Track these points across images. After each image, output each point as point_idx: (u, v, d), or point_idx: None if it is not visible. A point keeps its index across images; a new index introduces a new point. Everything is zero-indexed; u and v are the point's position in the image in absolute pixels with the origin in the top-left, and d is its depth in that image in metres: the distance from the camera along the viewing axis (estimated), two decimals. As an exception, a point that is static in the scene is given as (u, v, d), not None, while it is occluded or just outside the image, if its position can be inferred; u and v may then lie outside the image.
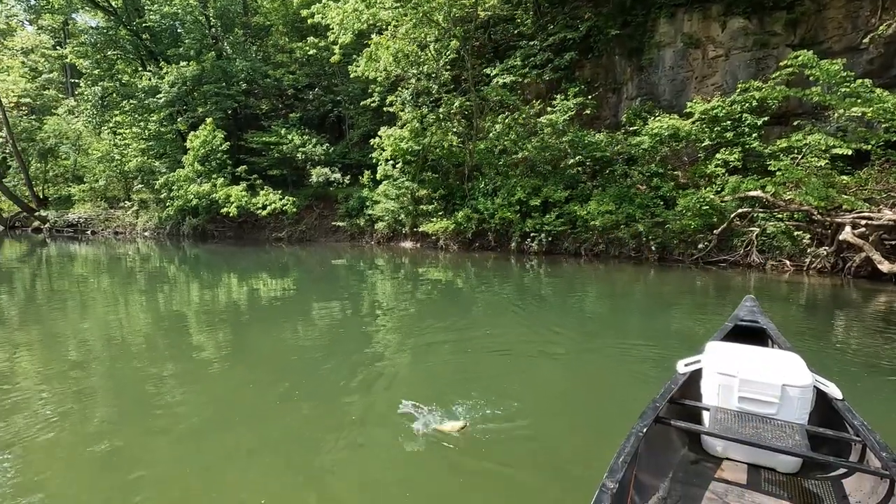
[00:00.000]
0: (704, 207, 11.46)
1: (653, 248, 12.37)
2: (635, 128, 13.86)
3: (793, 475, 2.46)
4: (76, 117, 26.50)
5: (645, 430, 2.31)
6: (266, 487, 2.91)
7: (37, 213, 25.29)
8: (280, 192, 19.01)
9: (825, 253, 10.23)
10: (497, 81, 15.37)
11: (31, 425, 3.64)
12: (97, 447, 3.37)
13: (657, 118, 13.26)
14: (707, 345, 3.00)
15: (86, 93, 23.00)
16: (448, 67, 15.76)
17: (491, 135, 15.67)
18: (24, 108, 28.84)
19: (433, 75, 15.64)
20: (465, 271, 12.23)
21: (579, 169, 14.41)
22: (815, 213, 10.21)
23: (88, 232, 23.40)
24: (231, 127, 21.01)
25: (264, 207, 18.37)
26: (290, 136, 19.07)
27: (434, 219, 15.63)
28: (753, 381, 2.57)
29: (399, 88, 16.71)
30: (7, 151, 26.32)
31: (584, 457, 3.17)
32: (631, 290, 9.67)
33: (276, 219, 19.32)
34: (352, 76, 16.40)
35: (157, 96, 19.61)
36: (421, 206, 16.15)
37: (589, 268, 12.14)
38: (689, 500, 2.27)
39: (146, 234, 22.08)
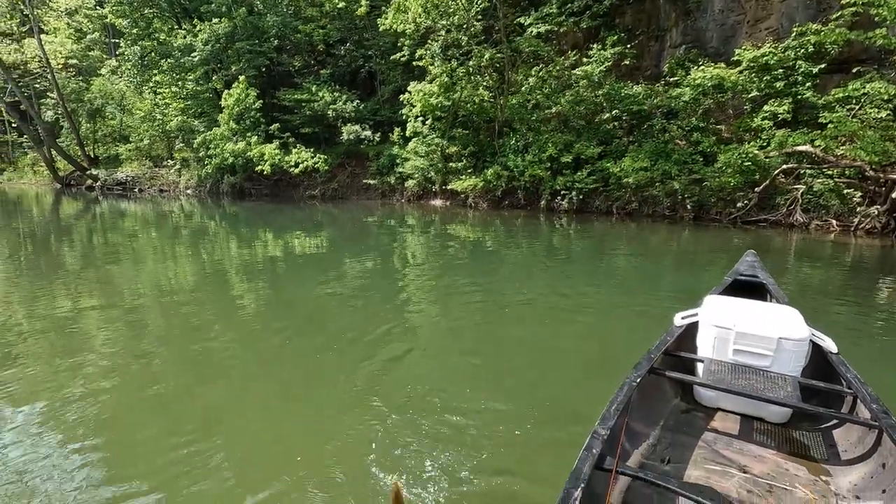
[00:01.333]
0: (747, 163, 10.89)
1: (688, 206, 11.94)
2: (676, 78, 13.10)
3: (782, 426, 2.49)
4: (119, 77, 27.27)
5: (638, 380, 2.37)
6: (283, 427, 3.18)
7: (89, 172, 26.66)
8: (312, 149, 19.24)
9: (877, 212, 9.62)
10: (531, 31, 14.71)
11: (93, 365, 4.05)
12: (150, 386, 3.73)
13: (701, 67, 12.46)
14: (705, 298, 3.00)
15: (126, 52, 23.51)
16: (479, 17, 15.15)
17: (523, 88, 15.18)
18: (71, 69, 29.86)
19: (463, 26, 15.10)
20: (493, 229, 12.24)
21: (615, 124, 13.86)
22: (869, 168, 9.53)
23: (136, 190, 24.56)
24: (264, 85, 21.14)
25: (297, 165, 18.70)
26: (320, 94, 19.06)
27: (463, 176, 15.54)
28: (749, 333, 2.58)
29: (429, 41, 16.27)
30: (59, 112, 27.57)
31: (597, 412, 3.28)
32: (664, 250, 9.47)
33: (309, 177, 19.67)
34: (381, 29, 16.06)
35: (192, 55, 19.86)
36: (450, 164, 16.04)
37: (620, 227, 11.89)
38: (678, 447, 2.34)
39: (188, 191, 22.98)
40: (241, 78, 19.23)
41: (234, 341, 4.69)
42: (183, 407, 3.42)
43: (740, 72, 11.83)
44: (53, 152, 28.24)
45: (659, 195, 12.36)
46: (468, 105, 15.87)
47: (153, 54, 22.50)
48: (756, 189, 11.05)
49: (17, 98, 27.28)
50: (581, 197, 13.57)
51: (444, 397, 3.45)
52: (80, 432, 3.04)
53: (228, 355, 4.37)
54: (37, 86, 29.25)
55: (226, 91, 19.66)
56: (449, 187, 15.97)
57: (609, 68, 13.83)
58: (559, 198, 13.90)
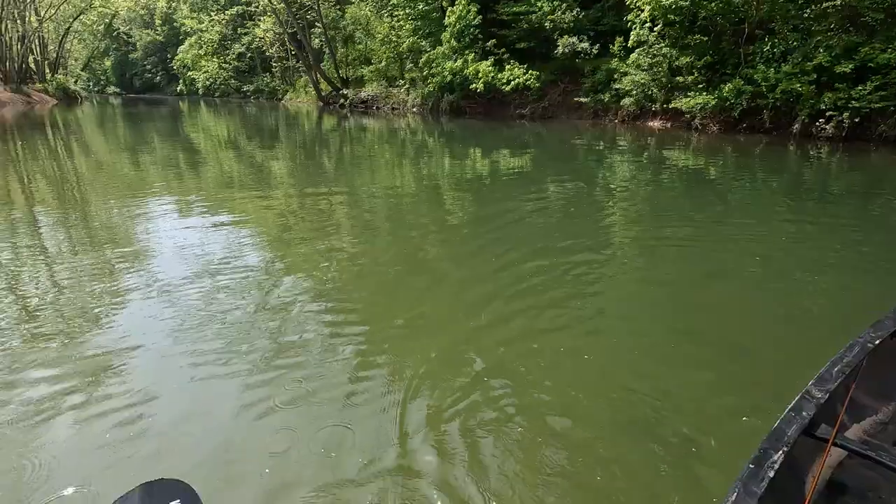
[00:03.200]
0: None
1: None
2: None
3: None
4: (365, 3, 30.65)
5: (876, 342, 1.90)
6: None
7: (341, 92, 31.62)
8: (525, 66, 18.95)
9: None
10: None
11: (341, 247, 5.26)
12: (385, 269, 4.70)
13: None
14: None
15: (370, -22, 26.12)
16: None
17: (796, -25, 11.87)
18: (331, -1, 34.70)
19: None
20: (723, 157, 10.61)
21: (940, 14, 9.92)
22: None
23: (374, 108, 28.29)
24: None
25: (508, 83, 18.77)
26: (539, 4, 18.25)
27: (692, 93, 13.45)
28: None
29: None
30: (322, 40, 32.82)
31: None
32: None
33: (520, 95, 19.63)
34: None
35: (422, -27, 20.94)
36: (677, 78, 13.98)
37: (914, 161, 8.98)
38: None
39: (414, 109, 25.44)
40: (464, -7, 19.64)
41: (440, 240, 5.42)
42: (396, 286, 4.21)
43: None
44: (318, 75, 34.14)
45: None
46: (712, 4, 13.23)
47: (391, -23, 24.44)
48: None
49: (294, 29, 33.32)
50: (857, 119, 10.49)
51: (632, 345, 3.21)
52: (330, 293, 4.07)
53: (434, 250, 5.10)
54: (308, 16, 35.01)
55: (449, 8, 20.42)
56: (671, 106, 14.09)
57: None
58: (822, 120, 11.01)
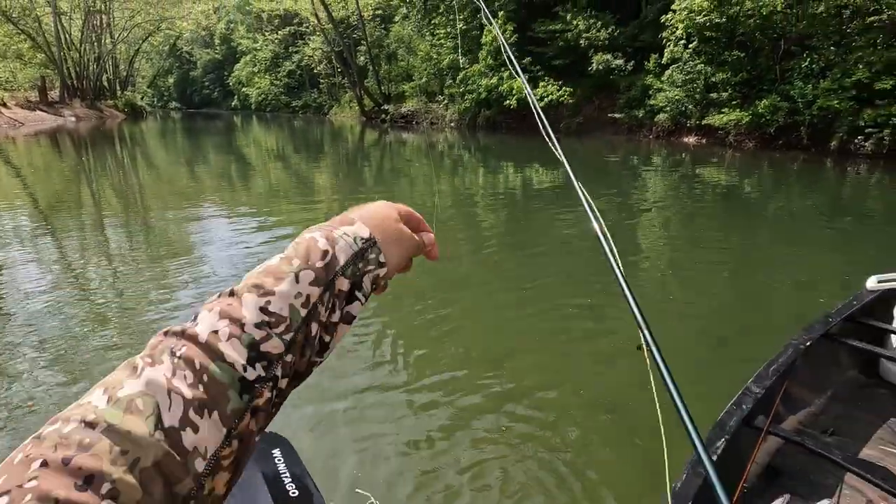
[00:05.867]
0: None
1: None
2: None
3: None
4: (408, 22, 31.83)
5: (807, 343, 2.15)
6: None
7: (383, 107, 32.78)
8: (560, 83, 19.27)
9: None
10: None
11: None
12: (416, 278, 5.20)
13: None
14: None
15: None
16: None
17: (837, -10, 11.76)
18: (377, 18, 36.15)
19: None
20: (758, 174, 10.61)
21: None
22: None
23: (413, 122, 29.20)
24: (522, 18, 21.69)
25: (542, 99, 19.12)
26: (574, 22, 18.60)
27: (726, 109, 13.42)
28: None
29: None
30: (367, 58, 34.21)
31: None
32: None
33: (555, 111, 19.88)
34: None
35: (463, -6, 21.71)
36: (712, 95, 13.97)
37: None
38: (849, 421, 2.13)
39: (452, 124, 26.12)
40: (500, 13, 20.24)
41: (469, 254, 5.88)
42: (431, 291, 4.68)
43: None
44: (361, 91, 35.53)
45: None
46: (751, 20, 13.21)
47: (433, -3, 25.39)
48: None
49: (341, 48, 34.94)
50: (899, 137, 10.27)
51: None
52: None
53: (464, 265, 5.56)
54: (354, 36, 36.62)
55: (486, 27, 21.05)
56: (706, 122, 14.08)
57: None
58: (861, 137, 10.81)
